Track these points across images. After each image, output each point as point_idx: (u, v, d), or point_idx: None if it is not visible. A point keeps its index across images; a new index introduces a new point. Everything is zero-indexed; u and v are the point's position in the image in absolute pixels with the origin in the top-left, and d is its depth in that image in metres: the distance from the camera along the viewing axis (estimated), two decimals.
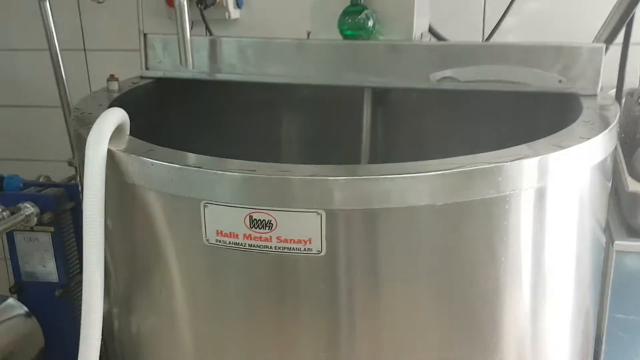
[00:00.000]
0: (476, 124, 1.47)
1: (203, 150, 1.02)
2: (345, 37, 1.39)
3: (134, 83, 1.43)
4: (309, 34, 1.45)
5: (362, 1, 1.37)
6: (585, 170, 1.01)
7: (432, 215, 0.89)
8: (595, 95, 1.21)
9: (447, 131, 1.52)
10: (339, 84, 1.39)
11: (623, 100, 1.42)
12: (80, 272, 1.80)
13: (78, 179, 1.89)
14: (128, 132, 1.09)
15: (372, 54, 1.36)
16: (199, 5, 1.85)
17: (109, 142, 0.99)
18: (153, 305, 1.06)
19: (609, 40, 1.33)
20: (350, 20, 1.38)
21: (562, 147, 0.95)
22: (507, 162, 0.90)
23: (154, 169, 0.96)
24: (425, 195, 0.88)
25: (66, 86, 1.97)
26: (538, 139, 0.99)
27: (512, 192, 0.91)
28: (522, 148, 0.95)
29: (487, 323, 0.99)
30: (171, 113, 1.48)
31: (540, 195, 0.95)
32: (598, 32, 1.35)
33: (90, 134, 0.99)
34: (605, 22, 1.34)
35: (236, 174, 0.91)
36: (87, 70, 2.25)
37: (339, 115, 1.56)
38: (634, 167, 1.42)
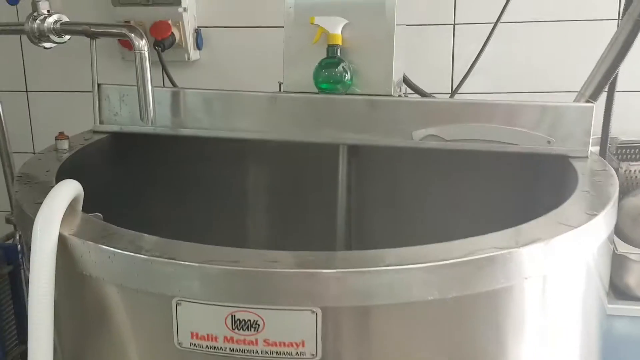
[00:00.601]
0: (456, 180, 1.40)
1: (163, 208, 0.91)
2: (321, 90, 1.29)
3: (85, 139, 1.29)
4: (280, 85, 1.35)
5: (339, 53, 1.28)
6: (595, 246, 0.93)
7: (442, 310, 0.80)
8: (586, 157, 1.16)
9: (425, 187, 1.44)
10: (315, 141, 1.29)
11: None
12: (19, 344, 1.63)
13: (17, 237, 1.73)
14: (81, 206, 0.96)
15: (350, 110, 1.27)
16: (157, 48, 1.73)
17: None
18: None
19: (593, 96, 1.27)
20: (326, 73, 1.28)
21: (572, 227, 0.87)
22: (517, 247, 0.81)
23: (115, 260, 0.82)
24: (435, 288, 0.78)
25: (5, 129, 1.80)
26: (522, 198, 0.93)
27: (525, 279, 0.83)
28: (530, 229, 0.86)
29: None
30: (128, 169, 1.35)
31: (552, 278, 0.87)
32: (582, 87, 1.29)
33: (38, 216, 0.86)
34: (589, 77, 1.29)
35: (215, 266, 0.79)
36: (29, 112, 2.08)
37: (312, 169, 1.46)
38: (619, 227, 1.37)
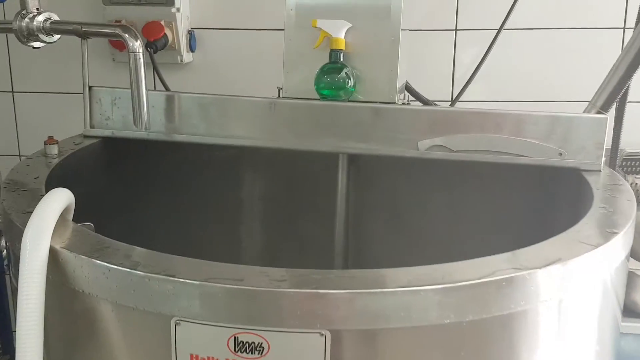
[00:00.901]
0: (461, 191, 1.35)
1: (157, 217, 0.86)
2: (323, 97, 1.24)
3: (76, 144, 1.23)
4: (279, 90, 1.30)
5: (342, 59, 1.23)
6: (615, 265, 0.89)
7: (457, 334, 0.75)
8: (599, 170, 1.12)
9: (427, 198, 1.39)
10: (315, 150, 1.24)
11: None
12: (2, 354, 1.56)
13: (3, 242, 1.66)
14: (72, 216, 0.91)
15: (353, 117, 1.22)
16: (149, 49, 1.67)
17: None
18: None
19: (605, 107, 1.24)
20: (328, 79, 1.23)
21: (592, 246, 0.83)
22: (539, 267, 0.77)
23: (110, 276, 0.77)
24: (451, 310, 0.73)
25: None
26: (532, 213, 0.88)
27: (544, 301, 0.78)
28: (549, 248, 0.82)
29: None
30: (120, 176, 1.29)
31: (570, 298, 0.83)
32: (592, 98, 1.26)
33: (27, 228, 0.80)
34: (600, 87, 1.25)
35: (217, 284, 0.73)
36: (15, 113, 2.01)
37: (310, 179, 1.41)
38: None
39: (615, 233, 0.87)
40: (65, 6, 1.69)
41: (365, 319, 0.73)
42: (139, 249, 0.80)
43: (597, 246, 0.82)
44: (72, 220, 0.91)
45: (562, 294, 0.80)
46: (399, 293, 0.72)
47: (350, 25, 1.24)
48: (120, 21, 1.68)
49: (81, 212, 0.93)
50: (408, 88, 1.51)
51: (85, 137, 1.26)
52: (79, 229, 0.87)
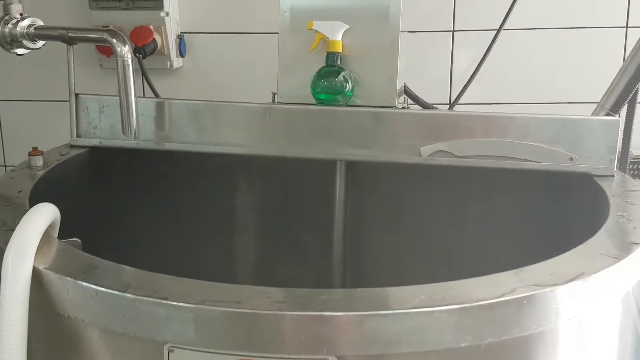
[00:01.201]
0: (465, 198, 1.30)
1: (147, 228, 0.80)
2: (320, 102, 1.19)
3: (62, 155, 1.17)
4: (274, 95, 1.24)
5: (340, 62, 1.18)
6: (639, 276, 0.84)
7: (477, 358, 0.69)
8: (612, 175, 1.07)
9: (430, 206, 1.34)
10: (313, 157, 1.19)
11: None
12: None
13: None
14: (57, 232, 0.85)
15: (351, 123, 1.17)
16: (137, 55, 1.61)
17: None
18: None
19: (614, 109, 1.19)
20: (325, 83, 1.18)
21: (616, 258, 0.78)
22: (561, 284, 0.72)
23: (98, 300, 0.71)
24: (469, 333, 0.68)
25: None
26: (541, 221, 0.83)
27: (567, 319, 0.73)
28: (569, 261, 0.77)
29: None
30: (108, 186, 1.23)
31: (592, 315, 0.78)
32: (601, 99, 1.21)
33: (9, 247, 0.74)
34: (609, 88, 1.21)
35: (213, 308, 0.68)
36: None
37: (307, 187, 1.36)
38: None
39: (637, 244, 0.81)
40: (51, 11, 1.64)
41: (375, 344, 0.67)
42: (128, 269, 0.75)
43: (619, 258, 0.77)
44: (59, 236, 0.86)
45: (583, 310, 0.75)
46: (412, 314, 0.67)
47: (348, 27, 1.19)
48: (107, 26, 1.62)
49: (68, 227, 0.87)
50: (407, 91, 1.46)
51: (72, 147, 1.20)
52: (64, 248, 0.81)
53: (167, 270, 0.75)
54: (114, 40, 1.01)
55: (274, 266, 1.38)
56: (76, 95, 1.20)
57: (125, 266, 0.75)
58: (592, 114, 1.19)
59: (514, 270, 0.74)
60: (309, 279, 1.33)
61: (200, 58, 1.82)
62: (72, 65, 1.20)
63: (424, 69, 1.76)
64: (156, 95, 1.66)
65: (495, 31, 1.62)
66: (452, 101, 1.72)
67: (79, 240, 0.85)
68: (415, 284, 1.07)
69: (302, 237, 1.36)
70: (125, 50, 1.01)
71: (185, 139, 1.18)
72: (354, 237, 1.33)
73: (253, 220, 1.41)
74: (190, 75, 1.83)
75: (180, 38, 1.77)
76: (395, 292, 0.70)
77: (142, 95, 1.71)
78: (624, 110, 1.24)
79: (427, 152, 1.15)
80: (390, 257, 1.36)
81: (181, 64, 1.80)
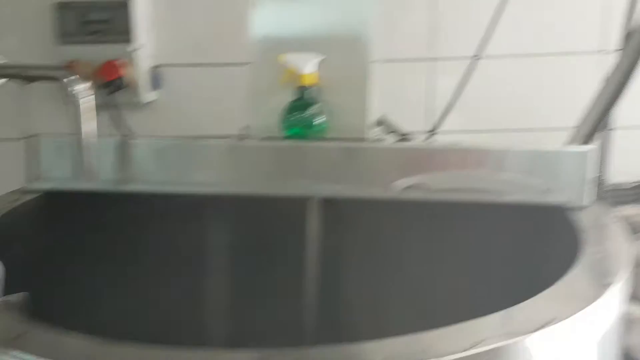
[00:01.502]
0: (440, 234, 1.25)
1: (106, 278, 0.73)
2: (289, 137, 1.16)
3: (14, 200, 1.11)
4: (246, 128, 1.21)
5: (311, 94, 1.15)
6: (614, 317, 0.80)
7: None
8: (588, 206, 1.03)
9: (403, 238, 1.29)
10: (284, 194, 1.15)
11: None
12: None
13: None
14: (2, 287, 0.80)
15: (323, 158, 1.13)
16: (105, 90, 1.57)
17: None
18: None
19: (590, 135, 1.17)
20: (294, 117, 1.15)
21: (590, 300, 0.73)
22: (531, 332, 0.67)
23: None
24: None
25: None
26: (516, 255, 0.78)
27: None
28: (539, 305, 0.73)
29: None
30: (64, 233, 1.15)
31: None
32: (577, 126, 1.18)
33: None
34: (584, 115, 1.18)
35: None
36: None
37: (278, 225, 1.31)
38: None
39: (611, 284, 0.78)
40: (21, 45, 1.61)
41: None
42: (70, 336, 0.67)
43: (592, 300, 0.74)
44: (7, 289, 0.80)
45: (557, 357, 0.71)
46: None
47: (319, 58, 1.16)
48: (73, 61, 1.58)
49: (19, 280, 0.82)
50: (384, 121, 1.43)
51: (25, 192, 1.14)
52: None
53: (135, 318, 0.70)
54: (65, 80, 0.97)
55: (245, 308, 1.33)
56: (29, 135, 1.15)
57: (65, 332, 0.68)
58: (569, 142, 1.17)
59: (485, 317, 0.70)
60: (282, 322, 1.28)
61: (175, 90, 1.79)
62: (30, 104, 1.16)
63: (403, 97, 1.75)
64: (127, 130, 1.63)
65: (472, 59, 1.60)
66: (431, 130, 1.70)
67: (27, 293, 0.80)
68: (390, 323, 1.02)
69: (275, 277, 1.31)
70: (78, 89, 0.97)
71: (149, 178, 1.14)
72: (328, 276, 1.28)
73: (223, 262, 1.35)
74: (164, 108, 1.80)
75: (154, 71, 1.74)
76: (358, 349, 0.66)
77: (114, 131, 1.67)
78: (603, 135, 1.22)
79: (401, 186, 1.11)
80: (365, 296, 1.31)
81: (155, 97, 1.77)
